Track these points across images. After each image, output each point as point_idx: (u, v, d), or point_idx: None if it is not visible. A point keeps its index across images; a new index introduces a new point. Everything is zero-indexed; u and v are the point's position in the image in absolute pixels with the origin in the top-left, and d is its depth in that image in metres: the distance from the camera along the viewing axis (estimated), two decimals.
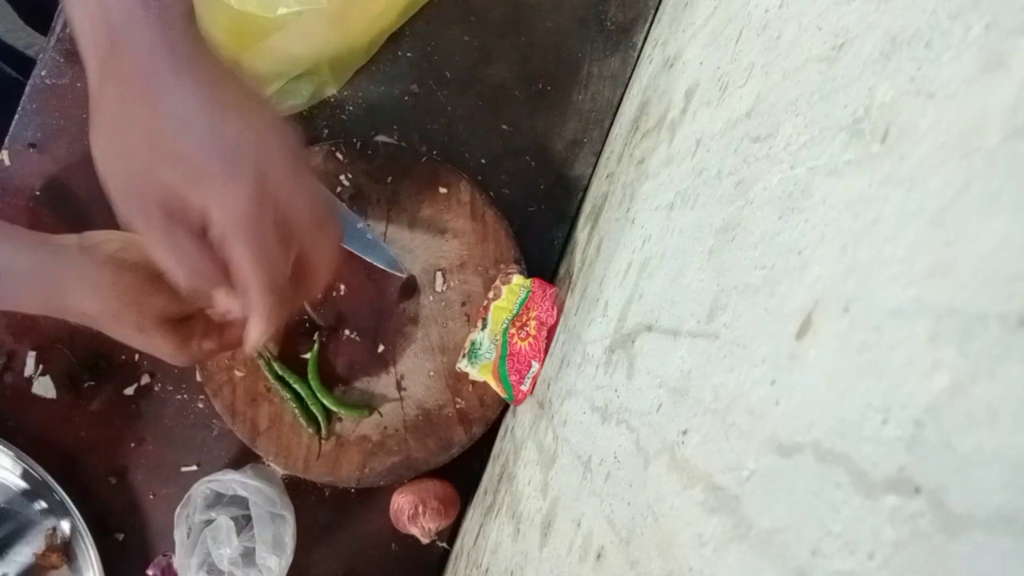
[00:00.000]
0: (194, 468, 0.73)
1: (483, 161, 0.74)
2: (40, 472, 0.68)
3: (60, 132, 0.70)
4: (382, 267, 0.71)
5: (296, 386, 0.70)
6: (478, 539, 0.67)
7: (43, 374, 0.71)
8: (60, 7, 0.69)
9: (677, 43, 0.60)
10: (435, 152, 0.73)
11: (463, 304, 0.72)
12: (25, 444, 0.69)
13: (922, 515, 0.17)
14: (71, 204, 0.70)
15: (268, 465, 0.72)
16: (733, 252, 0.33)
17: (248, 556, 0.66)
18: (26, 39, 1.30)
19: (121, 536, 0.73)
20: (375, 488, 0.73)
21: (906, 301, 0.20)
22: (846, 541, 0.19)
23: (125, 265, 0.52)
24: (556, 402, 0.56)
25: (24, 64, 0.95)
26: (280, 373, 0.70)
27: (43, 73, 0.69)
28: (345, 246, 0.70)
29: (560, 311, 0.66)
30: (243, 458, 0.73)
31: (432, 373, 0.72)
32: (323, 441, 0.71)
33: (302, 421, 0.70)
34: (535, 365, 0.66)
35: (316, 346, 0.71)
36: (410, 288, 0.72)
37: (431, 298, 0.72)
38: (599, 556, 0.36)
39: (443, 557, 0.77)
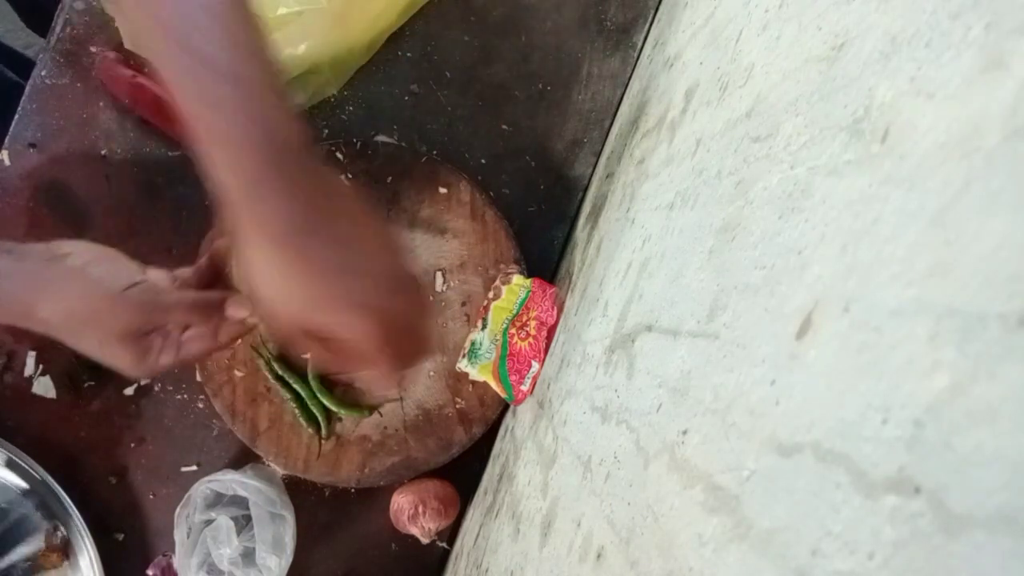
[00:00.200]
0: (194, 468, 0.73)
1: (483, 161, 0.74)
2: (40, 472, 0.68)
3: (60, 132, 0.70)
4: None
5: (296, 386, 0.70)
6: (478, 539, 0.67)
7: (43, 374, 0.71)
8: (60, 7, 0.69)
9: (677, 43, 0.60)
10: (435, 152, 0.73)
11: (463, 304, 0.72)
12: (25, 444, 0.69)
13: (922, 515, 0.17)
14: (71, 204, 0.70)
15: (268, 465, 0.72)
16: (733, 252, 0.33)
17: (248, 556, 0.66)
18: (26, 39, 1.30)
19: (121, 536, 0.73)
20: (375, 488, 0.73)
21: (906, 301, 0.20)
22: (846, 541, 0.19)
23: (90, 278, 0.53)
24: (556, 402, 0.56)
25: (24, 64, 0.95)
26: (280, 373, 0.70)
27: (43, 73, 0.69)
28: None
29: (560, 311, 0.66)
30: (243, 458, 0.73)
31: (432, 373, 0.72)
32: (323, 441, 0.71)
33: (302, 421, 0.70)
34: (535, 365, 0.66)
35: None
36: None
37: (431, 298, 0.72)
38: (599, 556, 0.36)
39: (443, 557, 0.77)
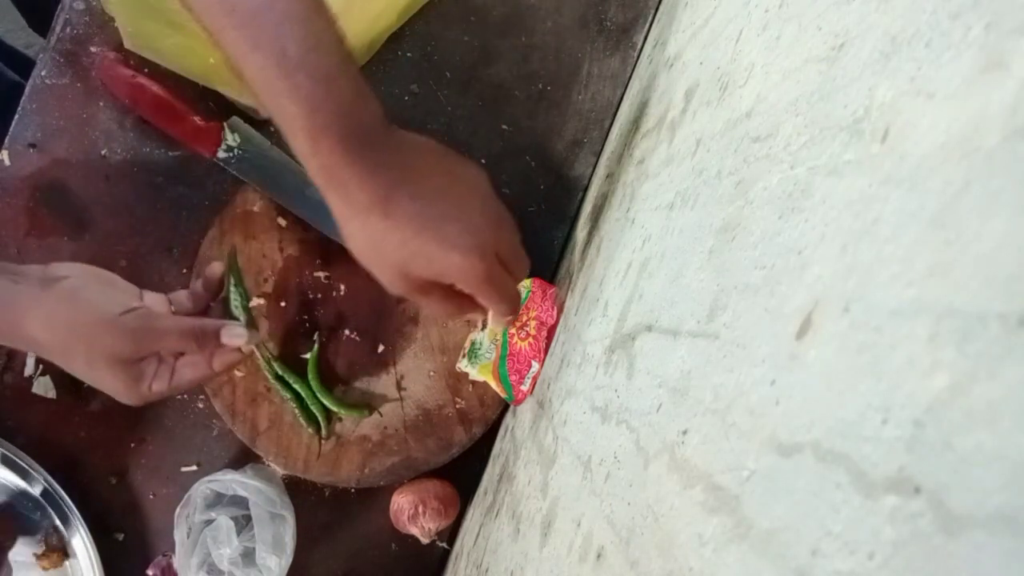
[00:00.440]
0: (194, 468, 0.73)
1: (483, 161, 0.74)
2: (40, 472, 0.68)
3: (60, 132, 0.70)
4: None
5: (296, 386, 0.70)
6: (478, 539, 0.67)
7: (43, 374, 0.71)
8: (60, 7, 0.69)
9: (677, 43, 0.60)
10: None
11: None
12: (25, 444, 0.69)
13: (922, 515, 0.17)
14: (71, 204, 0.70)
15: (268, 465, 0.72)
16: (733, 252, 0.33)
17: (248, 556, 0.66)
18: (26, 39, 1.30)
19: (121, 536, 0.73)
20: (375, 488, 0.73)
21: (906, 301, 0.20)
22: (846, 541, 0.19)
23: (82, 302, 0.53)
24: (556, 402, 0.56)
25: (24, 64, 0.95)
26: (280, 373, 0.70)
27: (43, 73, 0.69)
28: (345, 245, 0.70)
29: (560, 311, 0.66)
30: (243, 458, 0.73)
31: (432, 373, 0.72)
32: (323, 441, 0.71)
33: (302, 421, 0.70)
34: (535, 365, 0.66)
35: (316, 346, 0.71)
36: None
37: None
38: (599, 556, 0.36)
39: (443, 557, 0.77)
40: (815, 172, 0.28)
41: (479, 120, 0.74)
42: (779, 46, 0.36)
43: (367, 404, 0.71)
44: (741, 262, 0.32)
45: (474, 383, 0.71)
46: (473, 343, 0.70)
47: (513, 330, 0.68)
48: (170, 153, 0.71)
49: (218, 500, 0.68)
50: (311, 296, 0.71)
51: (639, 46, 0.75)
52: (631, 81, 0.74)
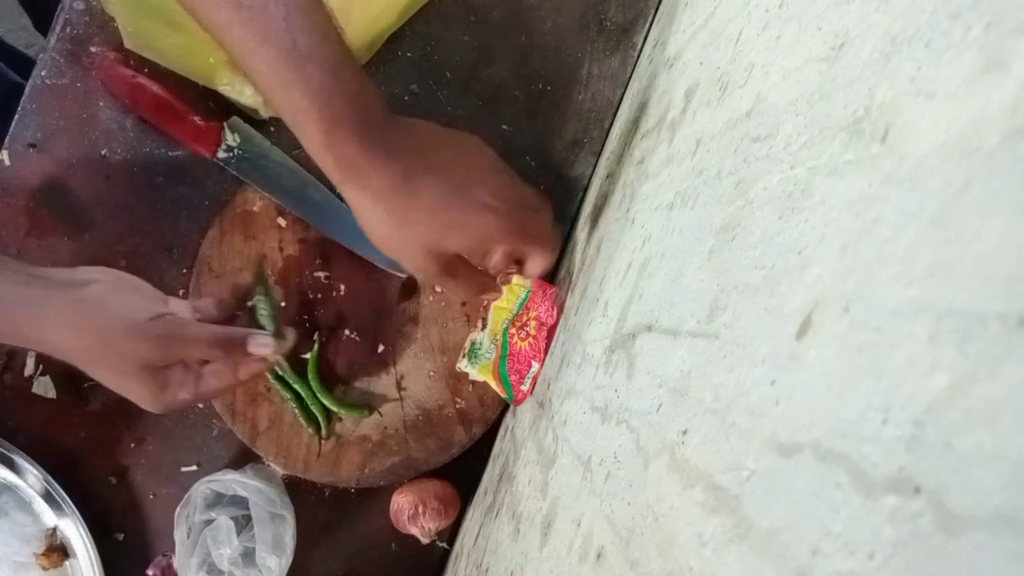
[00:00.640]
0: (194, 468, 0.73)
1: None
2: (40, 472, 0.68)
3: (60, 132, 0.70)
4: (382, 267, 0.71)
5: (296, 386, 0.70)
6: (478, 539, 0.67)
7: (43, 374, 0.71)
8: (60, 7, 0.69)
9: (677, 43, 0.60)
10: None
11: (463, 304, 0.72)
12: (25, 444, 0.69)
13: (922, 515, 0.17)
14: (71, 204, 0.70)
15: (268, 465, 0.72)
16: (733, 252, 0.33)
17: (248, 556, 0.66)
18: (26, 39, 1.30)
19: (121, 536, 0.73)
20: (375, 488, 0.73)
21: (906, 301, 0.20)
22: (846, 541, 0.19)
23: (111, 308, 0.53)
24: (556, 402, 0.56)
25: (24, 64, 0.95)
26: (280, 373, 0.70)
27: (43, 73, 0.69)
28: (345, 245, 0.70)
29: (560, 311, 0.66)
30: (243, 458, 0.73)
31: (432, 373, 0.72)
32: (323, 441, 0.71)
33: (302, 421, 0.70)
34: (535, 365, 0.66)
35: (316, 346, 0.71)
36: (410, 288, 0.72)
37: (431, 298, 0.72)
38: (599, 556, 0.36)
39: (443, 557, 0.77)
40: (815, 172, 0.28)
41: (479, 120, 0.74)
42: (779, 46, 0.36)
43: (367, 404, 0.71)
44: (741, 262, 0.32)
45: (474, 383, 0.71)
46: (473, 343, 0.70)
47: (513, 330, 0.68)
48: (170, 153, 0.71)
49: (218, 500, 0.68)
50: (311, 296, 0.71)
51: (639, 46, 0.75)
52: (631, 81, 0.74)
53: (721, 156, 0.39)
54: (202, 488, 0.67)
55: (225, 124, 0.69)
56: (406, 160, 0.47)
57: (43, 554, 0.69)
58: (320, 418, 0.70)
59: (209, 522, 0.67)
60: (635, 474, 0.35)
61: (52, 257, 0.70)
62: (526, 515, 0.54)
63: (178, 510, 0.67)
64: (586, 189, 0.75)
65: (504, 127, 0.74)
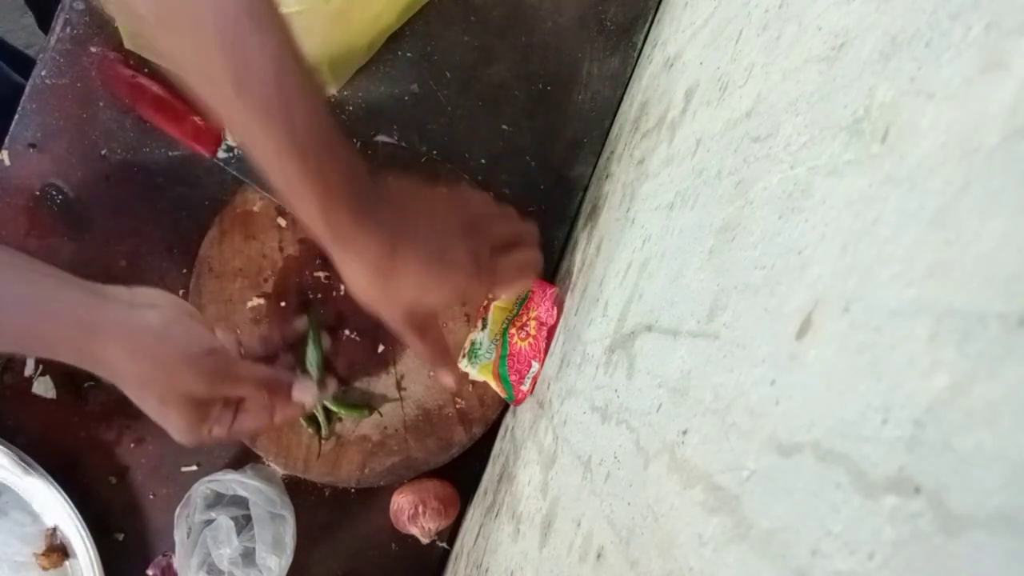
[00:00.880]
0: (194, 468, 0.73)
1: (483, 161, 0.74)
2: (40, 472, 0.68)
3: (60, 132, 0.70)
4: None
5: None
6: (478, 539, 0.67)
7: (43, 374, 0.71)
8: (60, 7, 0.69)
9: (677, 43, 0.60)
10: (435, 152, 0.73)
11: (463, 304, 0.72)
12: (25, 444, 0.69)
13: (922, 515, 0.17)
14: (71, 204, 0.70)
15: (268, 465, 0.72)
16: (733, 252, 0.33)
17: (248, 556, 0.66)
18: (26, 39, 1.30)
19: (121, 536, 0.73)
20: (375, 488, 0.73)
21: (906, 301, 0.20)
22: (846, 541, 0.19)
23: (171, 337, 0.52)
24: (556, 402, 0.56)
25: (24, 64, 0.95)
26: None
27: (43, 73, 0.69)
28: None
29: (560, 311, 0.66)
30: (243, 458, 0.73)
31: (432, 373, 0.72)
32: (323, 441, 0.71)
33: (302, 421, 0.70)
34: (535, 365, 0.66)
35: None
36: None
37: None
38: (599, 556, 0.36)
39: (443, 557, 0.77)
40: (815, 172, 0.28)
41: (479, 120, 0.74)
42: (779, 46, 0.36)
43: (367, 404, 0.71)
44: (741, 262, 0.32)
45: (474, 383, 0.71)
46: (473, 343, 0.70)
47: (513, 330, 0.68)
48: (170, 153, 0.71)
49: (218, 500, 0.68)
50: (311, 296, 0.71)
51: (639, 46, 0.75)
52: (631, 81, 0.74)
53: (721, 156, 0.39)
54: (202, 488, 0.67)
55: None
56: (390, 227, 0.50)
57: (43, 554, 0.69)
58: (320, 418, 0.70)
59: (209, 522, 0.67)
60: (635, 474, 0.35)
61: (52, 257, 0.70)
62: (526, 515, 0.54)
63: (178, 510, 0.67)
64: (586, 189, 0.75)
65: (504, 127, 0.74)
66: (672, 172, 0.48)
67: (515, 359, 0.67)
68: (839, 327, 0.22)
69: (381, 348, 0.72)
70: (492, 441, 0.75)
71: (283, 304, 0.71)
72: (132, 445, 0.72)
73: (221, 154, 0.69)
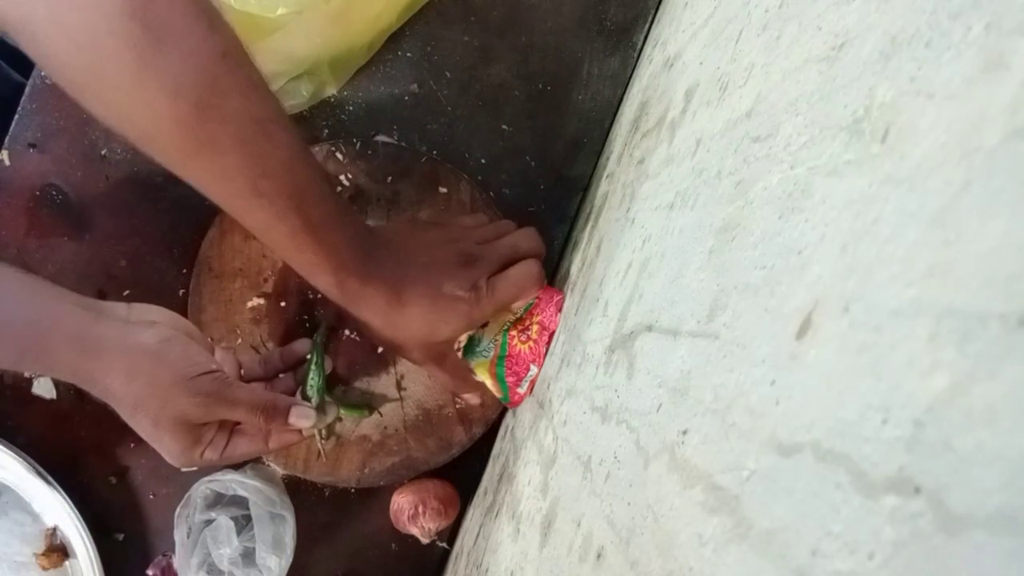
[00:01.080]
0: (194, 468, 0.73)
1: (483, 161, 0.74)
2: (40, 472, 0.68)
3: (60, 132, 0.70)
4: None
5: None
6: (478, 539, 0.67)
7: (43, 374, 0.71)
8: None
9: (677, 43, 0.60)
10: (435, 152, 0.73)
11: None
12: (25, 444, 0.69)
13: (922, 515, 0.17)
14: (71, 204, 0.70)
15: (268, 465, 0.72)
16: (733, 252, 0.33)
17: (248, 556, 0.66)
18: None
19: (121, 536, 0.73)
20: (375, 488, 0.73)
21: (906, 301, 0.20)
22: (846, 541, 0.19)
23: (167, 358, 0.52)
24: (556, 402, 0.56)
25: (24, 64, 0.95)
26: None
27: (43, 73, 0.69)
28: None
29: (559, 311, 0.66)
30: None
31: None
32: (323, 441, 0.71)
33: None
34: (534, 369, 0.66)
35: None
36: None
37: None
38: (599, 556, 0.36)
39: (443, 557, 0.77)
40: (815, 172, 0.28)
41: (479, 120, 0.74)
42: (779, 46, 0.36)
43: (367, 404, 0.71)
44: (741, 262, 0.32)
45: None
46: (472, 338, 0.70)
47: (514, 332, 0.68)
48: None
49: (218, 500, 0.68)
50: (311, 296, 0.71)
51: (639, 46, 0.75)
52: (631, 81, 0.74)
53: (721, 156, 0.39)
54: (202, 488, 0.67)
55: None
56: (392, 279, 0.55)
57: (43, 554, 0.69)
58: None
59: (209, 522, 0.67)
60: (635, 474, 0.35)
61: (52, 257, 0.70)
62: (526, 515, 0.54)
63: (178, 510, 0.67)
64: (586, 189, 0.75)
65: (504, 127, 0.74)
66: (672, 172, 0.48)
67: (513, 360, 0.67)
68: (839, 327, 0.22)
69: (381, 348, 0.72)
70: (492, 441, 0.75)
71: (283, 304, 0.71)
72: (132, 445, 0.72)
73: None
